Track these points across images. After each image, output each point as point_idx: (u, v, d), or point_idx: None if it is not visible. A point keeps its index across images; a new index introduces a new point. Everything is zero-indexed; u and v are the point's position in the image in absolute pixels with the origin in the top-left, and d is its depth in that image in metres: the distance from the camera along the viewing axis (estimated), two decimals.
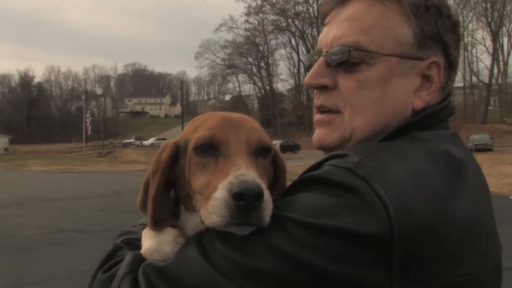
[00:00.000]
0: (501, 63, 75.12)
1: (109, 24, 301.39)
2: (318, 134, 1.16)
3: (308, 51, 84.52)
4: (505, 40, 75.49)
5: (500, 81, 76.03)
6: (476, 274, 0.92)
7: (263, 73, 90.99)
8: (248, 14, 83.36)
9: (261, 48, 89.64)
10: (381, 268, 0.83)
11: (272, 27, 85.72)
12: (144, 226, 1.20)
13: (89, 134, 66.46)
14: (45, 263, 8.18)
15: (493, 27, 72.76)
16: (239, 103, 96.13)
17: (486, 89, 75.61)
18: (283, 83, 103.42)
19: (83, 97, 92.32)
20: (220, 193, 0.87)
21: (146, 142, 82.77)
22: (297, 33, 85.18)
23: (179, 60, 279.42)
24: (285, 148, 51.82)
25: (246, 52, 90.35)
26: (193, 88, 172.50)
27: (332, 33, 1.11)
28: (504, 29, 74.30)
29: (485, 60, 79.68)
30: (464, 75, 78.90)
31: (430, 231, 0.86)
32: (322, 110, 1.15)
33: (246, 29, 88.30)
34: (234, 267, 0.86)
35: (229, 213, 0.85)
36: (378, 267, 0.83)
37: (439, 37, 1.08)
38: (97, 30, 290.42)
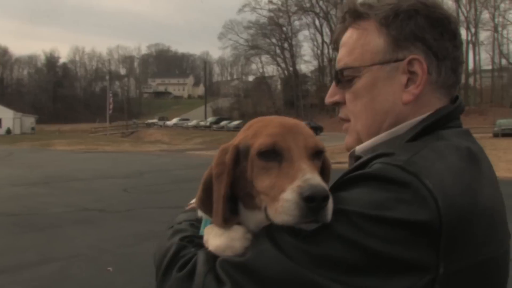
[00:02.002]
0: None
1: (133, 4, 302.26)
2: (346, 140, 1.36)
3: (332, 32, 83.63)
4: None
5: None
6: (497, 253, 1.08)
7: (287, 54, 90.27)
8: None
9: (284, 29, 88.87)
10: (431, 250, 0.96)
11: (295, 8, 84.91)
12: (190, 223, 1.31)
13: (110, 112, 67.06)
14: (70, 241, 8.44)
15: None
16: (262, 84, 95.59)
17: None
18: (306, 65, 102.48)
19: (107, 77, 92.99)
20: (290, 195, 0.96)
21: (169, 123, 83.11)
22: (321, 14, 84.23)
23: (202, 41, 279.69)
24: None
25: (269, 33, 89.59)
26: (216, 69, 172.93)
27: (337, 57, 1.33)
28: None
29: None
30: (493, 58, 77.18)
31: (467, 218, 1.01)
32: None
33: (269, 10, 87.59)
34: (308, 258, 0.96)
35: (300, 213, 0.95)
36: (430, 250, 0.96)
37: (414, 35, 1.21)
38: (121, 10, 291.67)
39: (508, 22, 76.15)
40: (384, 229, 0.95)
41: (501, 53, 77.80)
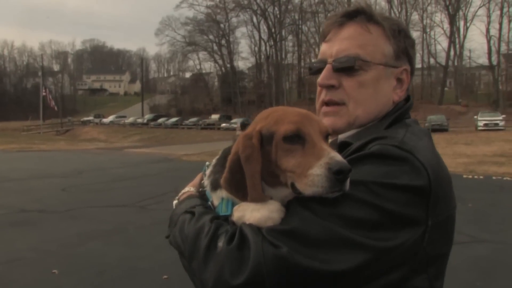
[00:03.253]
0: (457, 46, 76.66)
1: None
2: (328, 121, 1.51)
3: (269, 29, 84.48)
4: (462, 23, 76.98)
5: (456, 64, 77.66)
6: (454, 210, 1.39)
7: (224, 51, 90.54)
8: None
9: (222, 25, 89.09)
10: (424, 208, 1.24)
11: (233, 5, 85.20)
12: (203, 207, 1.40)
13: (56, 109, 65.00)
14: (9, 244, 8.10)
15: (450, 10, 74.06)
16: (199, 80, 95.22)
17: (443, 71, 77.26)
18: (244, 61, 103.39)
19: (40, 73, 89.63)
20: (319, 170, 1.15)
21: (105, 120, 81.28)
22: (258, 11, 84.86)
23: (139, 37, 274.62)
24: (245, 126, 51.70)
25: (207, 30, 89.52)
26: (153, 65, 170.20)
27: (336, 47, 1.50)
28: (460, 12, 75.74)
29: (443, 42, 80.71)
30: (422, 57, 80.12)
31: (441, 183, 1.29)
32: (328, 103, 1.52)
33: (207, 6, 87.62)
34: (340, 220, 1.17)
35: (329, 184, 1.14)
36: (423, 208, 1.24)
37: (407, 52, 1.53)
38: (54, 3, 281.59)
39: (435, 24, 79.47)
40: (395, 193, 1.20)
41: (429, 52, 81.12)
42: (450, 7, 73.71)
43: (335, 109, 1.52)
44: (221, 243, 1.21)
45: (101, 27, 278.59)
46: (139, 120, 75.19)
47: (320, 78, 1.52)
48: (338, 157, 1.17)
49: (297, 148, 1.22)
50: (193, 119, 69.18)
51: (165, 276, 6.11)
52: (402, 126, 1.44)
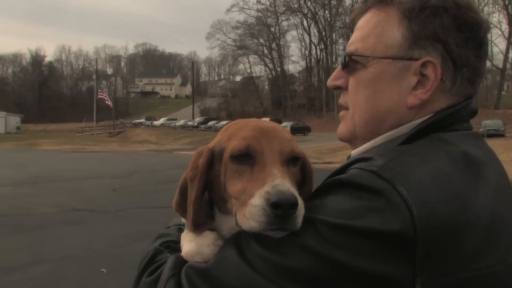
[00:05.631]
0: None
1: (121, 3, 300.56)
2: (339, 128, 1.29)
3: (320, 33, 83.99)
4: None
5: None
6: (497, 267, 0.96)
7: (274, 54, 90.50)
8: None
9: (272, 29, 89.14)
10: (405, 264, 0.88)
11: (284, 8, 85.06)
12: (178, 227, 1.31)
13: (112, 106, 67.17)
14: (60, 242, 8.32)
15: (510, 10, 71.55)
16: (249, 84, 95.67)
17: (500, 73, 74.59)
18: (294, 65, 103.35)
19: (94, 77, 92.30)
20: (258, 201, 0.94)
21: (156, 122, 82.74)
22: (309, 15, 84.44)
23: (190, 41, 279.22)
24: (295, 130, 51.54)
25: (257, 33, 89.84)
26: (204, 69, 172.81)
27: (350, 40, 1.24)
28: None
29: (500, 44, 77.80)
30: None
31: (451, 229, 0.91)
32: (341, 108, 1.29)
33: (257, 10, 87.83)
34: (270, 267, 0.92)
35: (266, 220, 0.92)
36: (403, 263, 0.88)
37: (436, 36, 1.11)
38: (109, 9, 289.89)
39: (492, 25, 76.77)
40: (351, 240, 0.89)
41: None
42: (509, 6, 71.15)
43: (343, 113, 1.27)
44: (145, 274, 1.13)
45: (153, 31, 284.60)
46: (190, 123, 76.11)
47: (329, 79, 1.28)
48: (284, 185, 0.94)
49: (246, 170, 1.02)
50: None
51: None
52: (421, 143, 1.07)
